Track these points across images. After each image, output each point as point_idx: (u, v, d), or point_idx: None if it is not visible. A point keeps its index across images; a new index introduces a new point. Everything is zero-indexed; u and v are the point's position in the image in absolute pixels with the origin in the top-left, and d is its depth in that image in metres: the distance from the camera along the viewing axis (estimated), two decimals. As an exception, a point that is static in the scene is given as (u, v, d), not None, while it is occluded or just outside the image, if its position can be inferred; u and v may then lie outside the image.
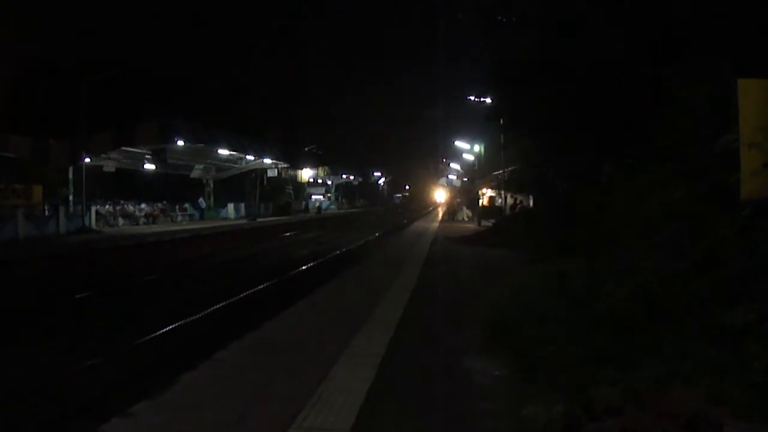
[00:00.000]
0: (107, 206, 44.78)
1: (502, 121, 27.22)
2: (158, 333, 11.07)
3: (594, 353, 6.42)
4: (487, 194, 53.15)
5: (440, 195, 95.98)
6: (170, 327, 11.52)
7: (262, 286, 16.51)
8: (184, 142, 41.55)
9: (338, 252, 27.06)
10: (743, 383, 5.20)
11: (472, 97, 39.58)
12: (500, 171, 40.58)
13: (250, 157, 55.16)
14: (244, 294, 15.20)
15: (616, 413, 4.43)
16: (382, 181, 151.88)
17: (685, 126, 10.07)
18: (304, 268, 21.32)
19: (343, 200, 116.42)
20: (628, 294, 7.58)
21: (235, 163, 56.62)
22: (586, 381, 5.45)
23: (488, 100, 32.35)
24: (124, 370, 8.91)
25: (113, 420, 5.68)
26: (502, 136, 33.37)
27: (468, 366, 7.07)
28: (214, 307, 13.45)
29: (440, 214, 65.79)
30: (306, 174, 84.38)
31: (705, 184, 8.96)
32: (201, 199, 57.90)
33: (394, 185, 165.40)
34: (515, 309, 8.98)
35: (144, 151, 43.49)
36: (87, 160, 38.27)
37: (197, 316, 12.51)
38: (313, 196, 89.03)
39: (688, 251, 8.27)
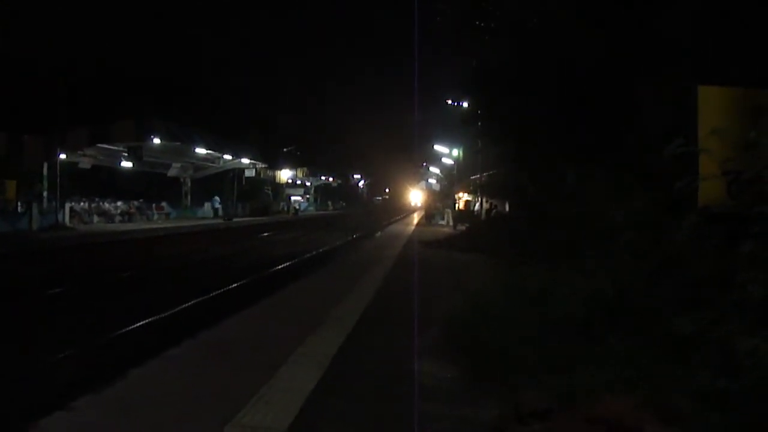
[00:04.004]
0: (82, 203, 44.49)
1: (479, 124, 27.27)
2: (115, 332, 11.11)
3: (544, 358, 6.46)
4: (463, 198, 53.22)
5: (419, 198, 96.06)
6: (127, 326, 11.56)
7: (227, 287, 16.54)
8: (161, 140, 41.40)
9: (309, 255, 27.03)
10: (687, 391, 5.26)
11: (450, 101, 39.71)
12: (477, 176, 40.69)
13: (227, 157, 54.95)
14: (208, 294, 15.19)
15: (545, 417, 4.47)
16: (361, 183, 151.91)
17: (653, 133, 10.17)
18: (272, 269, 21.32)
19: (329, 202, 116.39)
20: (582, 299, 7.63)
21: (213, 162, 56.37)
22: (527, 384, 5.49)
23: (465, 105, 32.43)
24: (76, 366, 8.96)
25: (55, 413, 5.69)
26: (479, 141, 33.47)
27: (419, 368, 7.07)
28: (176, 306, 13.50)
29: (417, 218, 65.82)
30: (285, 175, 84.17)
31: (665, 191, 9.03)
32: (216, 198, 57.82)
33: (373, 188, 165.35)
34: (476, 312, 8.98)
35: (120, 148, 43.23)
36: (62, 156, 38.04)
37: (157, 316, 12.53)
38: (292, 197, 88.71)
39: (645, 258, 8.34)
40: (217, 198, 57.97)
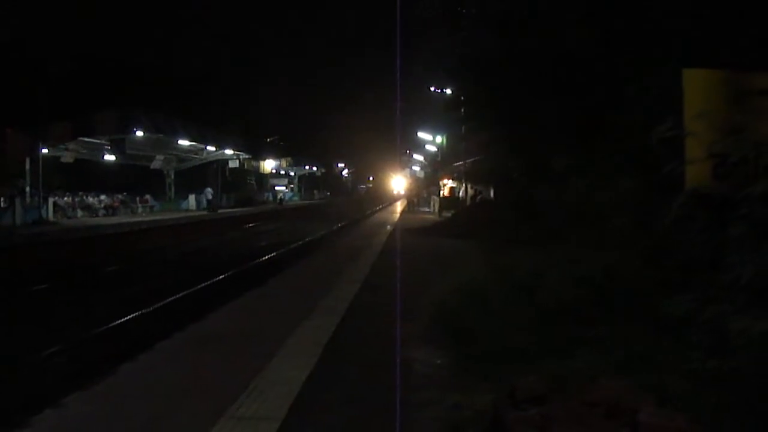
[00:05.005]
0: (66, 198, 44.13)
1: (463, 111, 27.20)
2: (101, 327, 11.13)
3: (536, 343, 6.50)
4: (448, 185, 53.19)
5: (403, 186, 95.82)
6: (115, 320, 11.56)
7: (214, 278, 16.55)
8: (144, 133, 41.26)
9: (295, 245, 27.02)
10: (680, 372, 5.31)
11: (433, 89, 39.65)
12: (461, 162, 40.67)
13: (211, 148, 54.69)
14: (195, 286, 15.22)
15: (540, 402, 4.49)
16: (345, 172, 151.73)
17: (639, 119, 10.20)
18: (258, 260, 21.34)
19: (315, 191, 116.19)
20: (572, 284, 7.67)
21: (197, 153, 56.10)
22: (521, 370, 5.52)
23: (449, 91, 32.39)
24: (64, 362, 9.05)
25: (45, 411, 5.67)
26: (463, 127, 33.42)
27: (410, 355, 7.07)
28: (163, 299, 13.54)
29: (401, 206, 65.78)
30: (269, 165, 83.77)
31: (654, 175, 9.07)
32: (208, 189, 57.32)
33: (357, 176, 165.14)
34: (464, 299, 9.00)
35: (103, 141, 42.97)
36: (45, 150, 37.73)
37: (145, 310, 12.55)
38: (276, 187, 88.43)
39: (635, 242, 8.40)
40: (209, 189, 57.44)
